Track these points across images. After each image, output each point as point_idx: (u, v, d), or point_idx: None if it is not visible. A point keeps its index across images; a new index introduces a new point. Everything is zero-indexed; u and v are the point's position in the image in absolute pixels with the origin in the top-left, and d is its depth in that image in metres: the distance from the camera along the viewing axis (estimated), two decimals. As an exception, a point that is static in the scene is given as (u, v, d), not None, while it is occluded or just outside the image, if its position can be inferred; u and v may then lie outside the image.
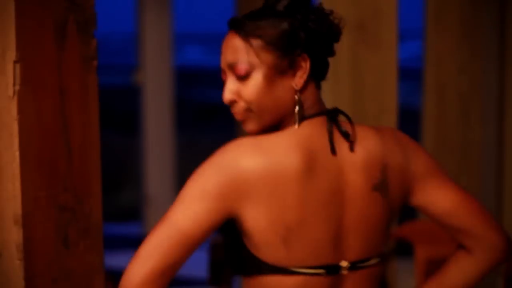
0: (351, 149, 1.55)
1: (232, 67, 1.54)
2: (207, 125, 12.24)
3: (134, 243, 5.99)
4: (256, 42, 1.53)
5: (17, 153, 1.65)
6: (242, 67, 1.53)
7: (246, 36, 1.53)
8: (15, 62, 1.63)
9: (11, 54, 1.64)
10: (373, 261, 1.57)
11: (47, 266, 1.71)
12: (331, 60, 1.62)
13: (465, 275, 1.68)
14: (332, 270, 1.53)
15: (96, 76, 1.78)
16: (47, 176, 1.70)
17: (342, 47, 3.14)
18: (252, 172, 1.46)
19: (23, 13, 1.64)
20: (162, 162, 6.13)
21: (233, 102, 1.56)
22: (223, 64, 1.57)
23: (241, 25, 1.54)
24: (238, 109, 1.56)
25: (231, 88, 1.56)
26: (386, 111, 3.16)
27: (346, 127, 1.57)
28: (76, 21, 1.73)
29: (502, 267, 3.52)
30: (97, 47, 1.78)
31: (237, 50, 1.54)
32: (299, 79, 1.55)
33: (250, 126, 1.57)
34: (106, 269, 1.82)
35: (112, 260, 5.19)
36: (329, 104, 1.62)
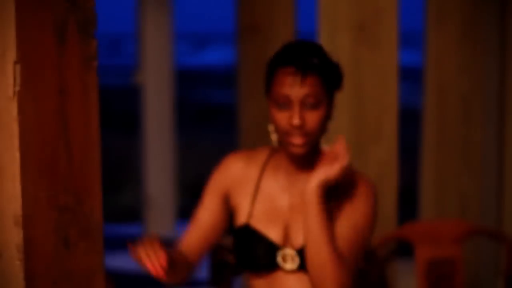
0: None
1: (306, 98, 1.98)
2: (207, 125, 12.23)
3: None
4: (322, 81, 1.99)
5: (17, 154, 1.65)
6: (316, 100, 1.99)
7: (318, 75, 1.99)
8: (15, 62, 1.63)
9: (11, 55, 1.63)
10: None
11: (47, 266, 1.71)
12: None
13: None
14: None
15: (97, 76, 1.78)
16: (47, 176, 1.70)
17: (342, 47, 3.14)
18: None
19: (23, 13, 1.63)
20: (162, 162, 6.12)
21: (301, 126, 1.98)
22: (292, 94, 1.97)
23: (315, 67, 1.98)
24: (302, 132, 1.98)
25: (301, 115, 1.98)
26: (387, 111, 3.15)
27: None
28: (76, 22, 1.72)
29: (502, 267, 3.51)
30: (97, 47, 1.78)
31: (312, 85, 1.98)
32: (331, 112, 2.05)
33: (304, 149, 2.01)
34: (106, 269, 1.82)
35: (112, 260, 5.19)
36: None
